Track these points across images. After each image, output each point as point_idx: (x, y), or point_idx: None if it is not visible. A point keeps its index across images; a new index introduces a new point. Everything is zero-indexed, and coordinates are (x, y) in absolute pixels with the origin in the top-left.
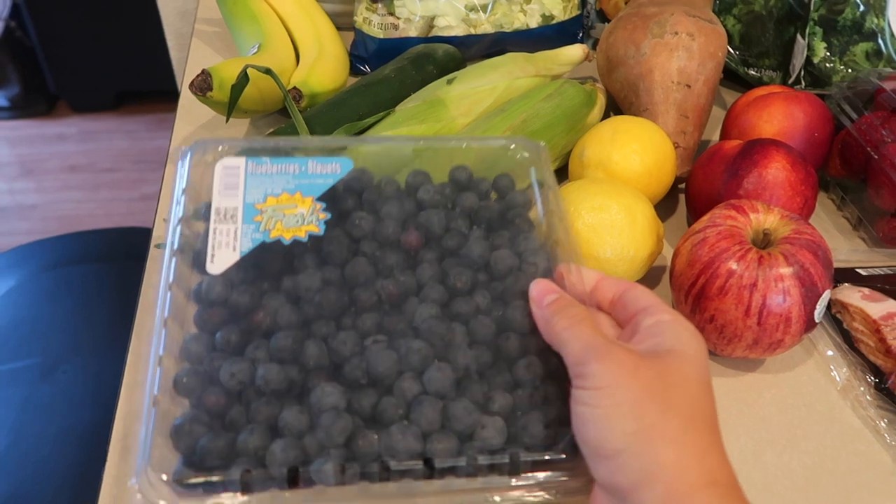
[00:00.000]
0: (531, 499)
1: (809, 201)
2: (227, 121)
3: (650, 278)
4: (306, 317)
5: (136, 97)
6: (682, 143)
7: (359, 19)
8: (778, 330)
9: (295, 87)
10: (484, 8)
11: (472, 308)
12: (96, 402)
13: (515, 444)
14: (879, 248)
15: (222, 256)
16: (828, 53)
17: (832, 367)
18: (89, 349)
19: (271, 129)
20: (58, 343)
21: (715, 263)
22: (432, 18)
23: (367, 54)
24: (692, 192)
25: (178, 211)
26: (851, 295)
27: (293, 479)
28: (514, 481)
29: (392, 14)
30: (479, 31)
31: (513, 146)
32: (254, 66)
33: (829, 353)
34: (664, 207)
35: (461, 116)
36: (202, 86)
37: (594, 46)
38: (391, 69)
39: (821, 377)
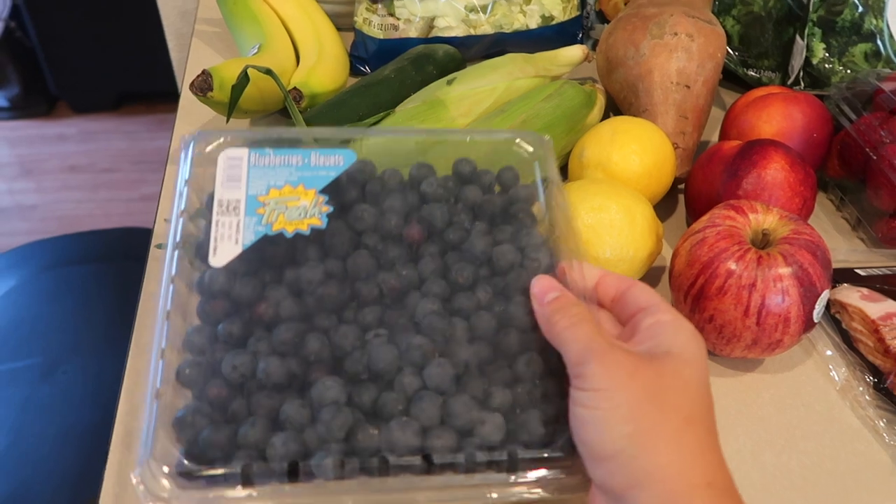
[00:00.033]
0: (529, 496)
1: (808, 202)
2: (227, 121)
3: (650, 278)
4: (308, 310)
5: (137, 98)
6: (681, 144)
7: (359, 20)
8: (777, 330)
9: (295, 88)
10: (484, 9)
11: (474, 303)
12: (96, 402)
13: (514, 440)
14: (878, 248)
15: (225, 249)
16: (827, 54)
17: (831, 367)
18: (89, 349)
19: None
20: (58, 343)
21: (714, 263)
22: (432, 19)
23: (367, 55)
24: (691, 193)
25: (180, 203)
26: (850, 295)
27: (293, 473)
28: (512, 478)
29: (392, 15)
30: (479, 31)
31: (518, 140)
32: (254, 67)
33: (828, 353)
34: (663, 208)
35: (461, 117)
36: (202, 86)
37: (594, 47)
38: (391, 70)
39: (820, 377)
